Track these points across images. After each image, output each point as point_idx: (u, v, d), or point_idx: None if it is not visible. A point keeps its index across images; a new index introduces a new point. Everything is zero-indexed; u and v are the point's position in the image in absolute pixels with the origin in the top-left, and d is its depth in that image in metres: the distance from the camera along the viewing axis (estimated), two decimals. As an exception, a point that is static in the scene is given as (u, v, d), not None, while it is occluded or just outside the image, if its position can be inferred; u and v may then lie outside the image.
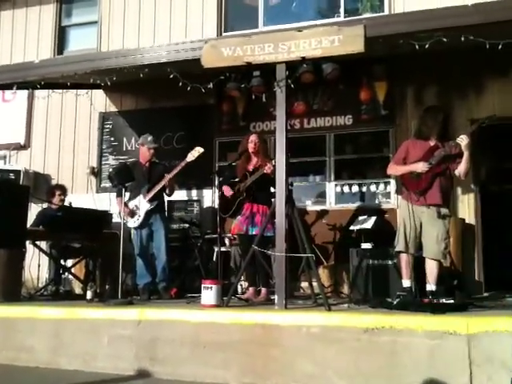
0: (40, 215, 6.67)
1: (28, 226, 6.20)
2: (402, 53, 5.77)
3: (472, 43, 4.60)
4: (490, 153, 7.06)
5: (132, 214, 5.73)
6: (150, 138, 5.97)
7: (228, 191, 5.48)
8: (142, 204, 5.74)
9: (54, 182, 8.16)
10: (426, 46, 4.67)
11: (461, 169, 4.68)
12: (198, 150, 5.66)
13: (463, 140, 4.57)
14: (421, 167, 4.68)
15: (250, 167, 5.48)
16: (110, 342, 4.34)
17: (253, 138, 5.52)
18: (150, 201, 5.73)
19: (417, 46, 4.70)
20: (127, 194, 5.78)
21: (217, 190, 5.43)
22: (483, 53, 4.68)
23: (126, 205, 5.71)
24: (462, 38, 4.60)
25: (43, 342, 4.56)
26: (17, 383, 4.03)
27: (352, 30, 4.59)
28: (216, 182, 5.55)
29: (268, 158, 5.31)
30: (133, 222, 5.75)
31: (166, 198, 6.11)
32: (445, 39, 4.63)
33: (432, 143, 4.81)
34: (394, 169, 5.02)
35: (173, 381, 4.00)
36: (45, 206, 6.97)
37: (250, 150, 5.48)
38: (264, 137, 5.95)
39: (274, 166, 5.07)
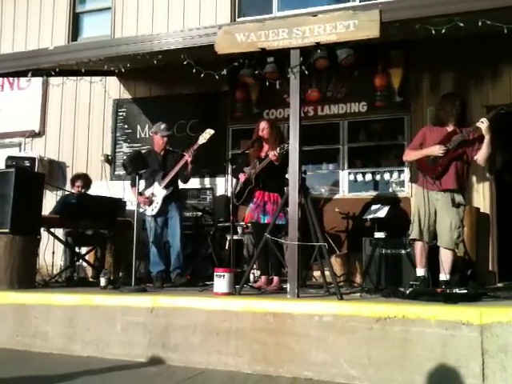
0: (60, 202, 6.72)
1: (48, 212, 6.27)
2: (417, 38, 5.69)
3: (489, 28, 4.51)
4: (505, 141, 6.95)
5: (149, 202, 5.74)
6: (162, 126, 5.95)
7: (243, 178, 5.47)
8: (159, 191, 5.74)
9: (68, 170, 8.23)
10: (443, 31, 4.58)
11: (481, 154, 4.62)
12: (208, 132, 5.66)
13: (483, 123, 4.50)
14: (437, 150, 4.63)
15: (262, 154, 5.44)
16: (124, 329, 4.38)
17: (263, 124, 5.47)
18: (166, 187, 5.73)
19: (433, 31, 4.61)
20: (142, 183, 5.81)
21: (230, 178, 5.40)
22: (501, 38, 4.58)
23: (141, 194, 5.73)
24: (480, 23, 4.50)
25: (57, 329, 4.61)
26: (31, 369, 4.08)
27: (367, 14, 4.51)
28: (229, 170, 5.53)
29: (279, 144, 5.25)
30: (151, 210, 5.74)
31: (182, 186, 6.11)
32: (462, 24, 4.53)
33: (450, 129, 4.76)
34: (410, 154, 4.97)
35: (185, 368, 4.03)
36: (62, 192, 7.04)
37: (262, 136, 5.44)
38: (277, 123, 5.90)
39: (279, 153, 5.06)
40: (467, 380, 3.35)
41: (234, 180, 5.59)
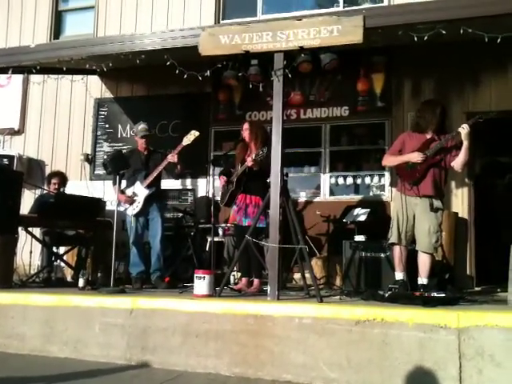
0: (37, 201, 6.63)
1: (26, 212, 6.18)
2: (400, 45, 5.74)
3: (471, 36, 4.57)
4: (484, 146, 7.06)
5: (131, 201, 5.71)
6: (140, 127, 5.93)
7: (222, 181, 5.47)
8: (141, 190, 5.71)
9: (47, 168, 8.13)
10: (425, 37, 4.64)
11: (459, 159, 4.66)
12: (193, 134, 5.64)
13: (464, 129, 4.56)
14: (415, 157, 4.68)
15: (247, 156, 5.44)
16: (102, 330, 4.33)
17: (245, 125, 5.48)
18: (148, 187, 5.70)
19: (415, 38, 4.67)
20: (124, 182, 5.77)
21: (211, 180, 5.40)
22: (482, 46, 4.65)
23: (123, 192, 5.70)
24: (461, 31, 4.57)
25: (35, 329, 4.55)
26: (7, 370, 4.00)
27: (351, 20, 4.56)
28: (211, 171, 5.53)
29: (261, 147, 5.23)
30: (132, 210, 5.72)
31: (164, 186, 6.07)
32: (444, 31, 4.60)
33: (429, 136, 4.81)
34: (389, 160, 5.02)
35: (164, 370, 4.00)
36: (40, 191, 6.96)
37: (244, 137, 5.44)
38: (261, 124, 5.90)
39: (255, 159, 5.07)
40: (444, 382, 3.39)
41: (218, 182, 5.58)
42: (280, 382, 3.74)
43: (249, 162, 5.16)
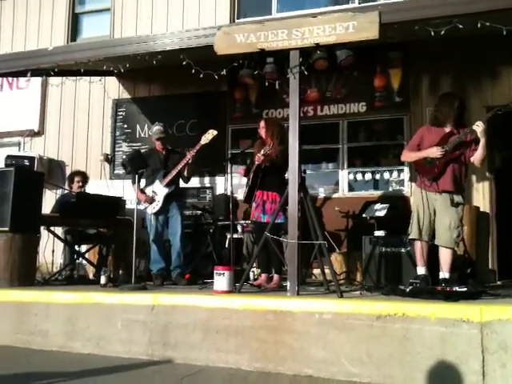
0: (59, 201, 6.73)
1: (47, 211, 6.27)
2: (417, 39, 5.71)
3: (488, 29, 4.52)
4: (505, 140, 6.98)
5: (151, 200, 5.76)
6: (155, 129, 5.98)
7: (241, 171, 5.53)
8: (160, 189, 5.75)
9: (68, 169, 8.24)
10: (442, 32, 4.60)
11: (477, 156, 4.62)
12: (211, 133, 5.66)
13: (479, 126, 4.51)
14: (435, 152, 4.64)
15: (263, 153, 5.45)
16: (124, 327, 4.39)
17: (262, 123, 5.51)
18: (167, 185, 5.75)
19: (432, 33, 4.63)
20: (143, 181, 5.82)
21: (229, 177, 5.43)
22: (500, 39, 4.61)
23: (143, 191, 5.75)
24: (479, 24, 4.52)
25: (58, 326, 4.62)
26: (31, 366, 4.08)
27: (367, 16, 4.53)
28: (228, 169, 5.56)
29: (278, 144, 5.25)
30: (152, 208, 5.76)
31: (182, 185, 6.13)
32: (461, 25, 4.55)
33: (447, 130, 4.76)
34: (408, 155, 4.99)
35: (185, 365, 4.04)
36: (61, 191, 7.06)
37: (261, 135, 5.47)
38: (278, 121, 5.90)
39: (263, 154, 5.08)
40: (467, 377, 3.37)
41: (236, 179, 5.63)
42: (301, 377, 3.75)
43: (258, 160, 5.19)
